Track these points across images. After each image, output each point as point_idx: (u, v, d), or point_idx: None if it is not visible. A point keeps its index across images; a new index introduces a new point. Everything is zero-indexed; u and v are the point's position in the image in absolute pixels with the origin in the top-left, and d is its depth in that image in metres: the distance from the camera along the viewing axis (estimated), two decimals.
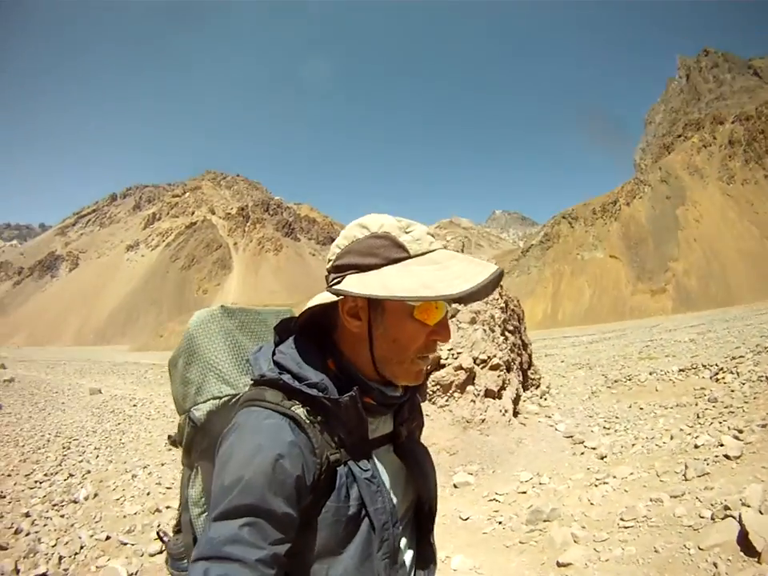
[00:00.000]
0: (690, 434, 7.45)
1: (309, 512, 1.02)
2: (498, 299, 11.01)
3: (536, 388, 11.97)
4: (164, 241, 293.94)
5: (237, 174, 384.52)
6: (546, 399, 11.39)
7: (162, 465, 9.88)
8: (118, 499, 7.85)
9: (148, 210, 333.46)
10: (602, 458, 7.43)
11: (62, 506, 7.66)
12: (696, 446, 6.57)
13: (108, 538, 6.31)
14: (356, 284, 1.04)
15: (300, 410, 1.04)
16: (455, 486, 7.06)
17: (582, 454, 7.97)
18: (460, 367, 8.40)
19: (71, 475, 9.32)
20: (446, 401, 8.34)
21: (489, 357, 9.05)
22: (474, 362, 8.89)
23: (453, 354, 8.80)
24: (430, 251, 1.10)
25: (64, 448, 11.41)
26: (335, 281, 1.10)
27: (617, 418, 10.14)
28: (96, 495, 8.06)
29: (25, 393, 20.81)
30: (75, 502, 7.81)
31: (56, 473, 9.45)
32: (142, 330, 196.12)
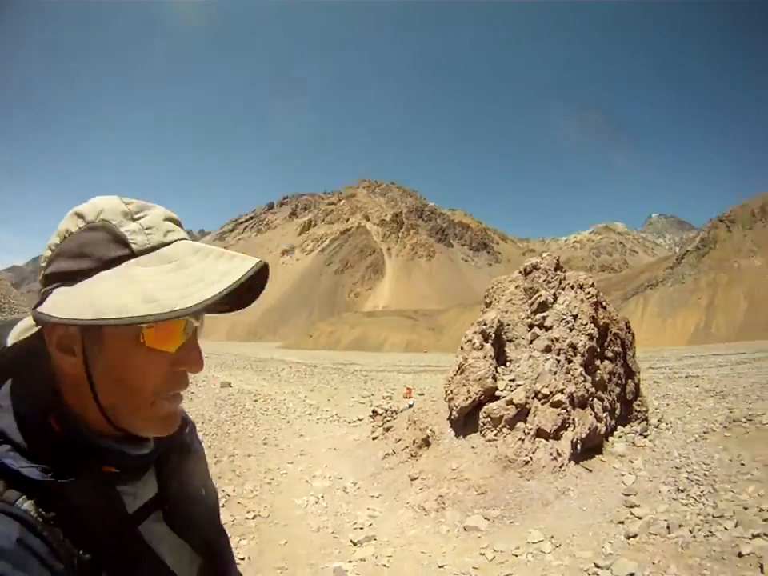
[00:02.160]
0: None
1: None
2: (586, 324, 10.26)
3: (639, 422, 11.38)
4: (319, 246, 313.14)
5: (391, 181, 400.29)
6: (645, 437, 10.77)
7: (249, 456, 11.39)
8: None
9: (304, 217, 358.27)
10: (630, 538, 6.52)
11: None
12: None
13: None
14: (59, 304, 0.81)
15: (27, 505, 0.78)
16: (465, 529, 6.71)
17: (621, 523, 7.06)
18: (511, 402, 8.42)
19: None
20: (495, 435, 8.16)
21: (551, 392, 8.88)
22: (533, 397, 8.76)
23: (510, 386, 8.80)
24: (165, 244, 0.89)
25: None
26: (41, 299, 0.86)
27: (704, 475, 9.30)
28: None
29: None
30: None
31: None
32: (293, 329, 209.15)
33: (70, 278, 0.86)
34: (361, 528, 6.69)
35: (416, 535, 6.31)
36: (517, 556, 6.04)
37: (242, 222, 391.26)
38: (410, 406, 13.28)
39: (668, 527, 6.47)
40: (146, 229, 0.89)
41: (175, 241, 0.91)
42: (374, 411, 14.44)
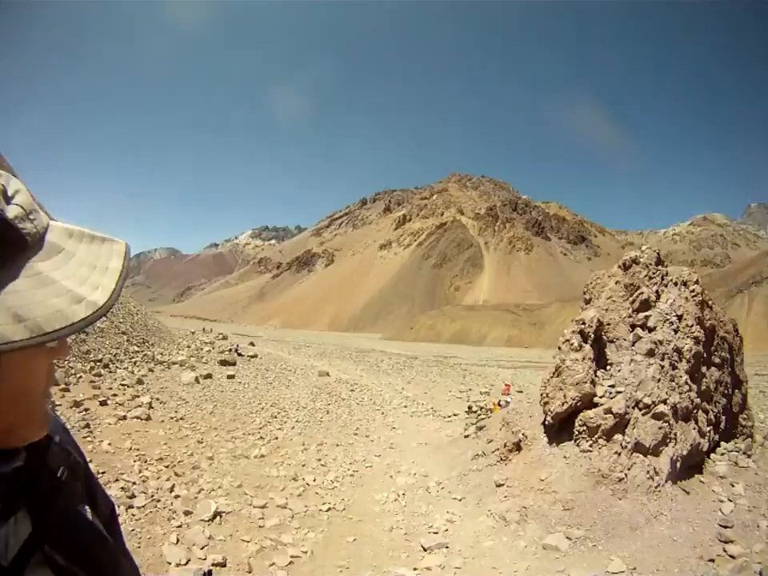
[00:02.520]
0: None
1: None
2: (692, 326, 9.08)
3: (743, 439, 10.15)
4: (416, 240, 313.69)
5: (482, 174, 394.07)
6: (749, 457, 9.53)
7: (337, 445, 11.39)
8: (276, 463, 9.54)
9: (398, 212, 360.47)
10: None
11: (238, 458, 9.61)
12: None
13: (240, 486, 7.92)
14: None
15: None
16: (543, 548, 6.06)
17: (711, 561, 6.15)
18: (609, 411, 7.65)
19: (261, 438, 11.47)
20: (590, 446, 7.47)
21: (654, 402, 7.97)
22: (634, 406, 7.92)
23: (610, 393, 7.94)
24: (47, 229, 0.79)
25: (272, 416, 13.84)
26: None
27: None
28: (263, 456, 9.90)
29: (261, 368, 24.93)
30: (247, 457, 9.72)
31: (252, 434, 11.71)
32: (394, 321, 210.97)
33: None
34: (435, 532, 6.29)
35: (491, 548, 5.81)
36: None
37: (336, 218, 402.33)
38: (507, 403, 12.72)
39: (760, 574, 5.66)
40: (29, 213, 0.76)
41: (48, 223, 0.81)
42: (469, 407, 14.02)
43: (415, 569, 5.25)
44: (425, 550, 5.74)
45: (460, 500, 7.48)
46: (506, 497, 6.86)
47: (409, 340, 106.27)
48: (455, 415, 14.90)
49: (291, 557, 5.60)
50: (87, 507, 0.98)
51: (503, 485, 7.24)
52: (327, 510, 7.24)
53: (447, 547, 5.75)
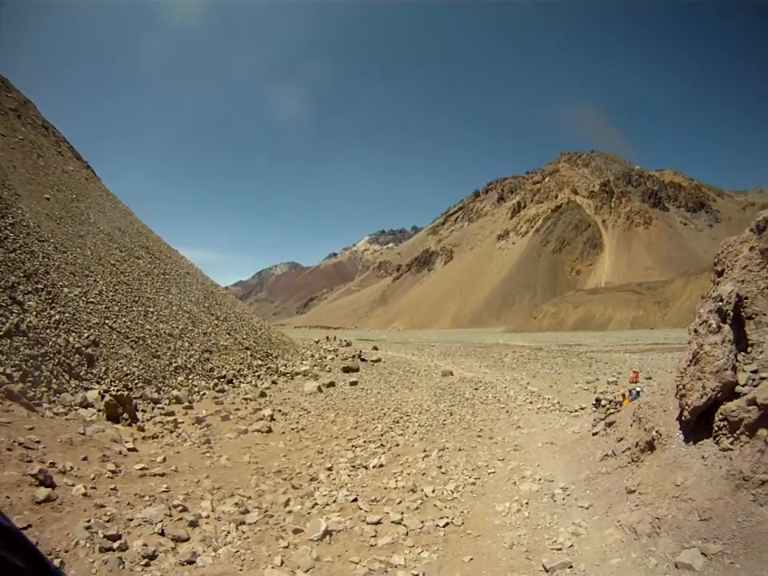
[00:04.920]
0: None
1: None
2: None
3: None
4: (533, 227, 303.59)
5: (591, 149, 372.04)
6: None
7: (460, 450, 10.94)
8: (395, 473, 9.33)
9: (512, 200, 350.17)
10: None
11: (356, 469, 9.56)
12: None
13: (355, 500, 7.71)
14: None
15: None
16: (676, 566, 5.13)
17: None
18: (753, 401, 6.47)
19: (382, 445, 11.35)
20: (731, 443, 6.36)
21: None
22: None
23: (753, 380, 6.65)
24: None
25: (393, 422, 13.70)
26: None
27: None
28: (382, 466, 9.77)
29: (385, 372, 25.00)
30: (366, 467, 9.59)
31: (372, 441, 11.64)
32: (517, 313, 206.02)
33: None
34: (559, 549, 5.66)
35: (618, 566, 5.06)
36: None
37: (451, 214, 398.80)
38: (637, 393, 11.66)
39: None
40: None
41: None
42: (597, 400, 13.01)
43: None
44: (546, 571, 5.14)
45: (587, 508, 6.76)
46: (636, 505, 6.02)
47: (532, 330, 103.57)
48: (582, 409, 13.91)
49: None
50: None
51: (635, 491, 6.35)
52: (444, 526, 6.83)
53: (571, 567, 5.12)
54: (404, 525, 6.81)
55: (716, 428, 6.34)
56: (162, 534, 5.91)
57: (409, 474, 9.21)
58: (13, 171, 21.85)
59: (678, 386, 7.16)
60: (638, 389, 12.98)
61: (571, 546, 5.68)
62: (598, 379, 20.30)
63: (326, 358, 28.99)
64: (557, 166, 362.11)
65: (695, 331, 7.42)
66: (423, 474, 9.23)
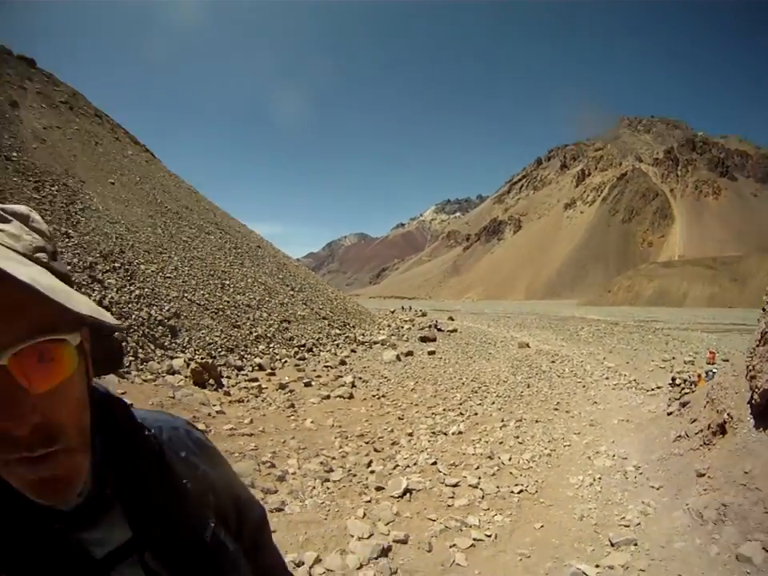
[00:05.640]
0: None
1: None
2: None
3: None
4: (599, 195, 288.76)
5: (651, 115, 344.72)
6: None
7: (536, 422, 11.09)
8: (473, 440, 9.60)
9: (575, 168, 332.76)
10: None
11: (436, 435, 9.91)
12: None
13: (434, 463, 8.11)
14: None
15: None
16: (736, 558, 4.85)
17: None
18: None
19: (461, 414, 11.63)
20: None
21: None
22: None
23: None
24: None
25: (472, 392, 13.96)
26: None
27: None
28: (461, 433, 10.06)
29: (461, 342, 25.10)
30: (445, 434, 9.92)
31: (452, 410, 11.95)
32: (591, 285, 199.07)
33: None
34: (627, 526, 5.77)
35: (681, 550, 5.07)
36: None
37: (515, 182, 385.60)
38: (714, 374, 11.32)
39: None
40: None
41: None
42: (672, 379, 12.70)
43: (597, 566, 4.89)
44: (612, 545, 5.30)
45: (657, 489, 6.77)
46: (705, 490, 5.97)
47: (607, 304, 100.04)
48: (658, 388, 13.57)
49: (474, 539, 5.57)
50: (212, 522, 0.91)
51: (704, 475, 6.27)
52: (519, 492, 7.07)
53: (636, 544, 5.22)
54: (480, 489, 7.12)
55: None
56: (252, 486, 6.46)
57: (486, 442, 9.46)
58: (74, 160, 22.94)
59: (747, 367, 6.91)
60: (714, 370, 12.56)
61: (638, 524, 5.78)
62: (674, 358, 19.60)
63: (402, 327, 29.35)
64: (618, 132, 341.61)
65: (764, 309, 7.18)
66: (500, 443, 9.45)
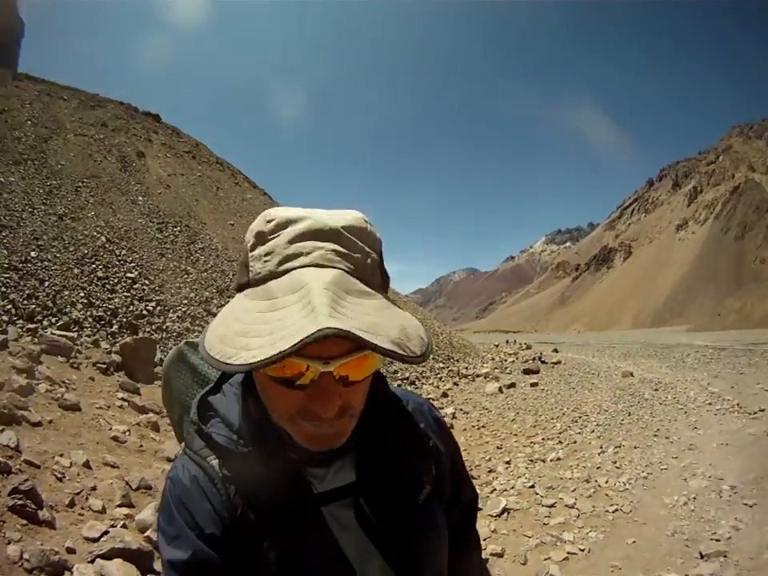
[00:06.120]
0: None
1: None
2: None
3: None
4: (712, 213, 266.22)
5: (762, 119, 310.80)
6: None
7: (635, 447, 10.99)
8: (571, 465, 9.76)
9: (687, 186, 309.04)
10: None
11: (534, 462, 10.16)
12: None
13: (532, 486, 8.49)
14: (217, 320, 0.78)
15: (215, 462, 0.85)
16: None
17: None
18: None
19: (560, 442, 11.74)
20: None
21: None
22: None
23: None
24: (275, 275, 0.76)
25: (572, 421, 13.93)
26: None
27: None
28: (559, 459, 10.22)
29: (564, 373, 24.49)
30: (543, 461, 10.17)
31: (551, 438, 12.07)
32: (700, 309, 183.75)
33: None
34: (717, 540, 5.84)
35: None
36: None
37: (627, 207, 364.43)
38: None
39: None
40: (265, 255, 0.78)
41: (291, 269, 0.75)
42: None
43: (686, 575, 5.14)
44: (702, 557, 5.47)
45: (751, 506, 6.75)
46: None
47: (716, 329, 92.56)
48: (761, 411, 12.91)
49: (568, 553, 5.88)
50: (427, 487, 0.99)
51: None
52: (614, 512, 7.24)
53: (725, 556, 5.32)
54: (576, 508, 7.35)
55: None
56: None
57: (584, 467, 9.58)
58: (196, 204, 24.38)
59: None
60: None
61: (729, 538, 5.83)
62: None
63: (506, 360, 28.99)
64: (729, 142, 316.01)
65: None
66: (598, 468, 9.54)
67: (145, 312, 15.49)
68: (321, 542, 0.85)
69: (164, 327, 15.26)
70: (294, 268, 0.74)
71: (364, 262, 0.79)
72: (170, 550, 0.82)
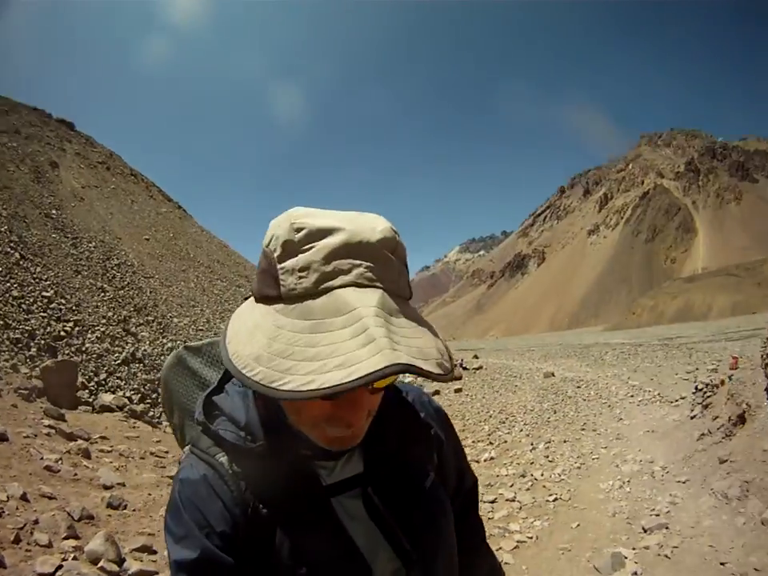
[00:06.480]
0: None
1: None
2: None
3: None
4: (622, 218, 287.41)
5: (670, 128, 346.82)
6: None
7: (564, 442, 11.27)
8: (505, 463, 9.94)
9: (598, 193, 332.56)
10: None
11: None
12: None
13: None
14: (230, 326, 0.80)
15: (223, 459, 0.85)
16: (762, 523, 5.15)
17: None
18: None
19: (491, 443, 11.94)
20: None
21: None
22: None
23: None
24: (314, 293, 0.71)
25: (500, 422, 14.19)
26: None
27: None
28: (492, 459, 10.45)
29: (487, 378, 25.14)
30: (477, 461, 10.29)
31: (481, 440, 12.23)
32: (614, 309, 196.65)
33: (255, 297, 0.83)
34: (657, 515, 6.07)
35: (710, 526, 5.41)
36: None
37: (539, 214, 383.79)
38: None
39: None
40: (300, 270, 0.73)
41: (334, 287, 0.71)
42: (696, 387, 12.87)
43: (633, 548, 5.21)
44: (645, 531, 5.63)
45: (684, 482, 7.04)
46: (728, 473, 6.28)
47: (632, 326, 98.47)
48: (682, 398, 13.66)
49: (517, 542, 5.96)
50: (432, 474, 1.01)
51: (726, 460, 6.58)
52: (554, 501, 7.40)
53: (667, 528, 5.55)
54: (517, 501, 7.48)
55: None
56: None
57: (518, 464, 9.73)
58: (111, 218, 23.90)
59: (762, 356, 7.35)
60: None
61: (668, 512, 6.07)
62: (698, 369, 19.52)
63: None
64: (638, 150, 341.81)
65: None
66: (531, 463, 9.72)
67: (63, 333, 14.62)
68: (331, 534, 0.86)
69: (83, 349, 14.46)
70: (335, 287, 0.71)
71: (398, 277, 0.78)
72: (179, 550, 0.81)
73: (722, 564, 4.76)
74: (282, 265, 0.74)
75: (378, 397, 0.83)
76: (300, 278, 0.72)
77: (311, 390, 0.62)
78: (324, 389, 0.62)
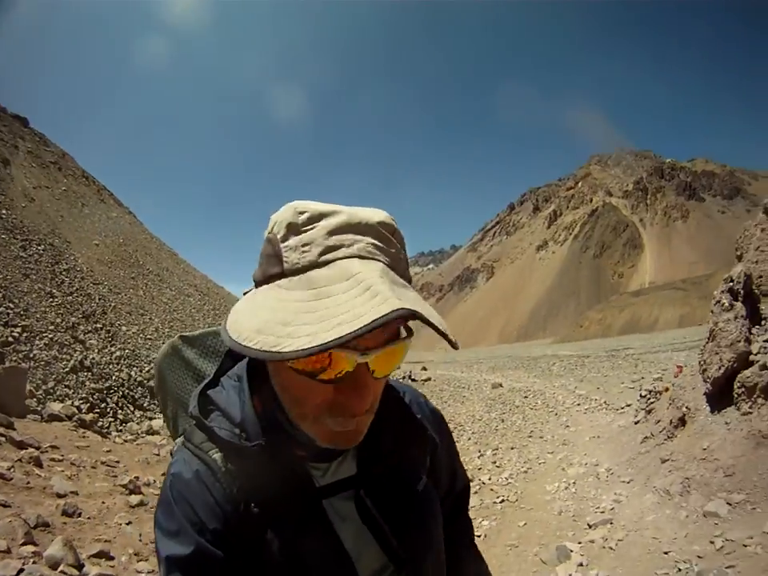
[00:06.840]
0: None
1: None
2: None
3: None
4: (571, 234, 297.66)
5: (620, 148, 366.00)
6: None
7: (512, 448, 11.53)
8: None
9: (547, 209, 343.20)
10: None
11: None
12: None
13: None
14: (232, 312, 0.80)
15: (217, 456, 0.85)
16: (704, 515, 5.71)
17: None
18: (765, 366, 7.05)
19: None
20: (749, 407, 6.98)
21: None
22: None
23: (765, 348, 7.09)
24: (316, 264, 0.74)
25: None
26: None
27: None
28: None
29: (435, 389, 25.42)
30: None
31: None
32: (563, 322, 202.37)
33: (256, 285, 0.84)
34: (602, 512, 6.32)
35: (654, 521, 5.71)
36: (746, 546, 5.10)
37: (489, 230, 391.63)
38: None
39: None
40: (303, 246, 0.76)
41: (331, 260, 0.74)
42: (640, 395, 13.36)
43: (579, 542, 5.35)
44: (590, 526, 5.82)
45: (628, 482, 7.32)
46: (670, 471, 6.61)
47: (579, 339, 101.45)
48: (628, 405, 14.17)
49: None
50: (424, 477, 1.02)
51: (668, 459, 6.93)
52: (501, 502, 7.59)
53: (612, 523, 5.78)
54: None
55: (735, 395, 6.92)
56: None
57: (467, 470, 9.79)
58: (61, 220, 23.33)
59: (699, 363, 7.76)
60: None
61: (612, 509, 6.31)
62: (643, 378, 20.22)
63: None
64: (588, 170, 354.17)
65: (711, 312, 8.00)
66: (479, 469, 9.91)
67: (11, 339, 13.98)
68: (320, 535, 0.87)
69: (31, 356, 13.85)
70: (338, 258, 0.74)
71: (398, 258, 0.80)
72: (171, 545, 0.82)
73: (665, 553, 5.01)
74: (286, 243, 0.77)
75: (381, 385, 0.83)
76: (303, 252, 0.75)
77: (317, 345, 0.62)
78: (332, 340, 0.62)
